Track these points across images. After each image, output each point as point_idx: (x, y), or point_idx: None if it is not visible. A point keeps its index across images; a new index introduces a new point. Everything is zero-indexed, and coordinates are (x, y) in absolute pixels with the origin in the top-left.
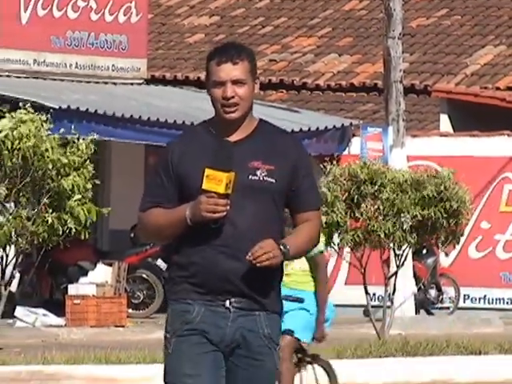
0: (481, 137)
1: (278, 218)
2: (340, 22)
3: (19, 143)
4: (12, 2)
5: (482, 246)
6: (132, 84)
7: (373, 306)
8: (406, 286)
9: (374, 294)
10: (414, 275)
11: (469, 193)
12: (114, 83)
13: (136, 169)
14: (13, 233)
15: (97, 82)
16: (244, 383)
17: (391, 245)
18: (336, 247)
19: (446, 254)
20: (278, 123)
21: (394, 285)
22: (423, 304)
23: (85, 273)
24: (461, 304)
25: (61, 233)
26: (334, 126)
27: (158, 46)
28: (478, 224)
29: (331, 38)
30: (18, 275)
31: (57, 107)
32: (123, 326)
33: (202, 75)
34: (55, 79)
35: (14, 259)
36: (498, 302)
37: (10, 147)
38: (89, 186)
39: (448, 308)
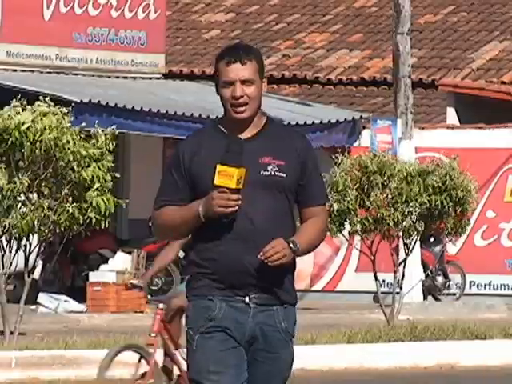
0: (486, 129)
1: (290, 211)
2: (351, 19)
3: (41, 135)
4: (35, 0)
5: (487, 235)
6: (150, 78)
7: (382, 293)
8: (413, 273)
9: (384, 281)
10: (422, 262)
11: (474, 181)
12: (134, 78)
13: (154, 160)
14: (35, 222)
15: (117, 77)
16: (262, 376)
17: (400, 233)
18: (347, 235)
19: (453, 242)
20: (291, 116)
21: (403, 272)
22: (431, 290)
23: (105, 260)
24: (467, 290)
25: (81, 222)
26: (345, 119)
27: (176, 41)
28: (484, 213)
29: (342, 33)
30: (40, 263)
31: (78, 101)
32: (142, 312)
33: None
34: (77, 74)
35: (37, 248)
36: (502, 288)
37: (32, 139)
38: (108, 177)
39: (454, 294)
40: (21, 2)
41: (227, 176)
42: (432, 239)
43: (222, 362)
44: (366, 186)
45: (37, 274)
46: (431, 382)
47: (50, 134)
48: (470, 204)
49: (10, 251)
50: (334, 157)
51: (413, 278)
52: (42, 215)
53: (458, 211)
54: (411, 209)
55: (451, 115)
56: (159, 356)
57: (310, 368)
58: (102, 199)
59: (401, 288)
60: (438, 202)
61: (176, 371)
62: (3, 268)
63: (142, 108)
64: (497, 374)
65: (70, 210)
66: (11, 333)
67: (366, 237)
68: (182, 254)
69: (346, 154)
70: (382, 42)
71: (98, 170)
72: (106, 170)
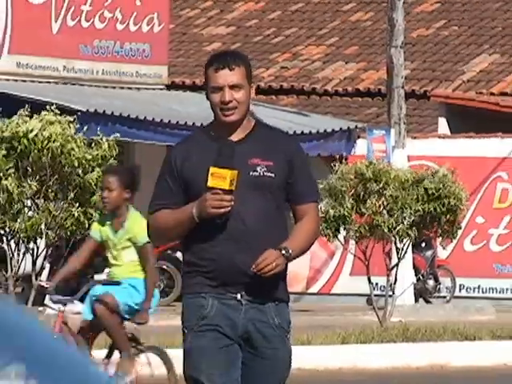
0: (476, 138)
1: (281, 210)
2: (347, 32)
3: (48, 143)
4: (44, 13)
5: (476, 240)
6: (154, 89)
7: (375, 295)
8: (405, 276)
9: (377, 284)
10: (414, 267)
11: (465, 190)
12: (138, 88)
13: (157, 168)
14: (42, 226)
15: (121, 88)
16: (259, 372)
17: (393, 238)
18: (342, 240)
19: (444, 247)
20: (289, 126)
21: (395, 275)
22: (422, 293)
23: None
24: (456, 293)
25: (87, 226)
26: (341, 129)
27: (179, 54)
28: (473, 219)
29: (338, 46)
30: (48, 266)
31: (84, 110)
32: None
33: None
34: (83, 85)
35: (45, 251)
36: (491, 291)
37: (39, 146)
38: None
39: (445, 297)
40: (30, 16)
41: (220, 178)
42: (423, 244)
43: (214, 360)
44: (362, 193)
45: (44, 277)
46: (422, 381)
47: (56, 141)
48: (461, 211)
49: (18, 254)
50: (331, 165)
51: (405, 281)
52: (49, 219)
53: (449, 218)
54: (406, 215)
55: (442, 125)
56: None
57: (306, 368)
58: None
59: (393, 291)
60: (431, 208)
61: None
62: (11, 271)
63: (145, 117)
64: (486, 374)
65: (76, 214)
66: None
67: (361, 242)
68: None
69: (343, 161)
70: (376, 55)
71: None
72: None
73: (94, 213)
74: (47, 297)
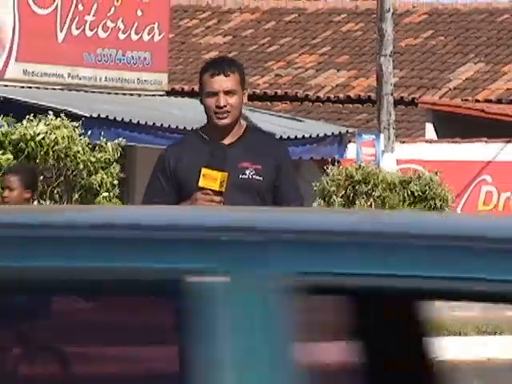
0: (462, 143)
1: None
2: (338, 42)
3: (54, 146)
4: (49, 23)
5: None
6: (154, 95)
7: None
8: None
9: None
10: None
11: (451, 192)
12: (139, 95)
13: None
14: None
15: (124, 94)
16: None
17: None
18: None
19: None
20: (283, 130)
21: None
22: None
23: None
24: None
25: None
26: (333, 134)
27: (178, 62)
28: None
29: (330, 55)
30: None
31: (88, 115)
32: None
33: None
34: (87, 91)
35: None
36: None
37: (46, 149)
38: (115, 182)
39: None
40: (36, 26)
41: (211, 179)
42: None
43: None
44: (352, 195)
45: None
46: None
47: (62, 144)
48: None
49: None
50: (323, 168)
51: None
52: None
53: None
54: None
55: (429, 130)
56: None
57: None
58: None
59: None
60: (418, 210)
61: None
62: None
63: (146, 122)
64: (470, 369)
65: None
66: None
67: None
68: None
69: (336, 164)
70: (366, 63)
71: (105, 177)
72: (112, 177)
73: None
74: None
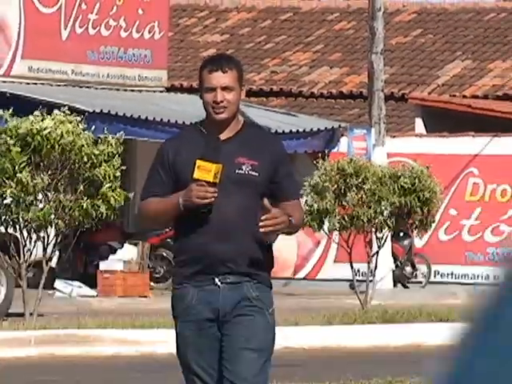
0: (449, 137)
1: (260, 205)
2: (331, 40)
3: (59, 139)
4: (54, 22)
5: (450, 230)
6: (154, 91)
7: (357, 281)
8: (385, 263)
9: (359, 270)
10: (393, 254)
11: (439, 184)
12: (140, 91)
13: None
14: (53, 216)
15: (125, 90)
16: (237, 339)
17: (373, 229)
18: (326, 230)
19: (420, 237)
20: (278, 125)
21: (376, 262)
22: (400, 279)
23: (114, 251)
24: (432, 279)
25: (94, 217)
26: (326, 128)
27: (177, 59)
28: (447, 211)
29: (324, 53)
30: (57, 253)
31: (91, 111)
32: (146, 297)
33: None
34: (90, 87)
35: (54, 239)
36: (463, 277)
37: (52, 143)
38: (118, 174)
39: (421, 282)
40: (41, 24)
41: (205, 170)
42: (402, 234)
43: (198, 347)
44: (343, 187)
45: (54, 263)
46: (400, 359)
47: (66, 138)
48: (436, 204)
49: (30, 242)
50: (315, 161)
51: (384, 268)
52: (59, 210)
53: (424, 210)
54: (383, 207)
55: (419, 125)
56: None
57: (294, 347)
58: (113, 195)
59: (374, 276)
60: (408, 201)
61: None
62: (24, 257)
63: (146, 117)
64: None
65: (84, 206)
66: (31, 314)
67: (344, 232)
68: None
69: (326, 158)
70: (358, 61)
71: (108, 169)
72: (115, 169)
73: (102, 204)
74: (56, 281)
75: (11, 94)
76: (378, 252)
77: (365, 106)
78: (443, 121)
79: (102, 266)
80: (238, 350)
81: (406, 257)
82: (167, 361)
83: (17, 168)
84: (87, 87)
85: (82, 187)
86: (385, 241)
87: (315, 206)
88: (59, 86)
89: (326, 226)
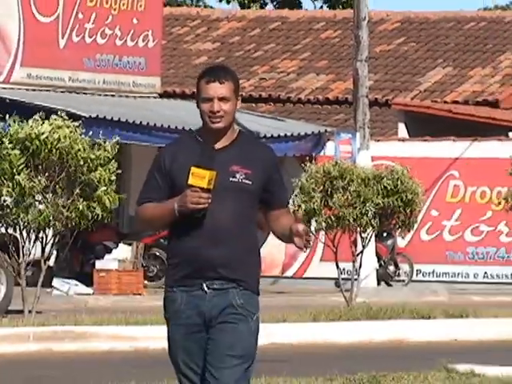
0: (431, 141)
1: (254, 212)
2: (318, 48)
3: (57, 144)
4: (51, 31)
5: (431, 230)
6: (148, 97)
7: (343, 279)
8: (369, 262)
9: (344, 269)
10: (376, 254)
11: (421, 186)
12: (134, 97)
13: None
14: (51, 218)
15: (120, 96)
16: (220, 345)
17: (358, 229)
18: (313, 230)
19: (403, 237)
20: (267, 129)
21: (360, 261)
22: (383, 277)
23: (109, 251)
24: (414, 277)
25: (90, 218)
26: (313, 132)
27: (170, 66)
28: (429, 212)
29: (310, 60)
30: (55, 252)
31: (87, 116)
32: (140, 294)
33: None
34: (86, 93)
35: (52, 239)
36: (444, 275)
37: (49, 147)
38: (113, 178)
39: (403, 281)
40: (40, 33)
41: (200, 177)
42: (385, 234)
43: (187, 350)
44: (329, 189)
45: (51, 262)
46: (383, 354)
47: (64, 142)
48: (418, 205)
49: (29, 242)
50: (302, 164)
51: (368, 266)
52: (57, 212)
53: (407, 211)
54: (368, 208)
55: (402, 129)
56: None
57: (282, 342)
58: (108, 198)
59: (358, 275)
60: (391, 202)
61: None
62: (23, 257)
63: (141, 122)
64: (439, 348)
65: (81, 208)
66: (29, 311)
67: (330, 232)
68: None
69: (312, 161)
70: (343, 68)
71: (104, 173)
72: (110, 173)
73: (97, 206)
74: (54, 279)
75: (11, 99)
76: (362, 251)
77: (350, 111)
78: (425, 125)
79: (98, 265)
80: (221, 356)
81: (390, 256)
82: (160, 356)
83: (15, 170)
84: (84, 93)
85: (78, 190)
86: (369, 241)
87: (303, 206)
88: (57, 92)
89: (312, 226)
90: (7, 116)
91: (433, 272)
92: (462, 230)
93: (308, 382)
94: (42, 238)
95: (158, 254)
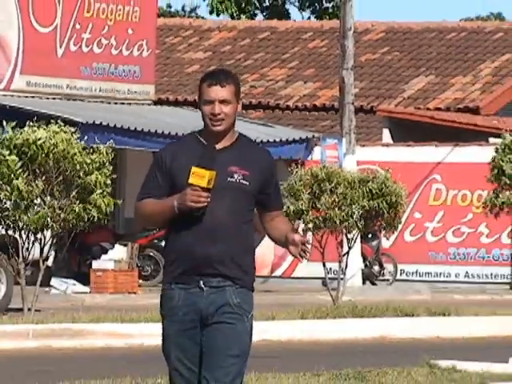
0: (414, 146)
1: (250, 211)
2: (305, 57)
3: (54, 149)
4: (50, 41)
5: (414, 232)
6: (143, 104)
7: (329, 278)
8: (355, 262)
9: (331, 269)
10: (362, 254)
11: (405, 189)
12: (129, 104)
13: (145, 170)
14: (49, 220)
15: (116, 103)
16: (217, 345)
17: (344, 230)
18: (301, 231)
19: (387, 238)
20: (257, 135)
21: (346, 261)
22: (369, 277)
23: (105, 251)
24: (398, 277)
25: (86, 220)
26: (300, 138)
27: (164, 74)
28: (412, 214)
29: (298, 69)
30: (53, 253)
31: (84, 122)
32: (135, 293)
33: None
34: (83, 100)
35: (50, 240)
36: (427, 275)
37: (46, 152)
38: (108, 181)
39: (388, 280)
40: (38, 43)
41: (200, 176)
42: (370, 235)
43: (181, 346)
44: (317, 191)
45: (50, 262)
46: (368, 350)
47: (60, 147)
48: (401, 207)
49: (28, 243)
50: (290, 168)
51: (354, 266)
52: (54, 214)
53: (391, 213)
54: (354, 210)
55: (386, 135)
56: None
57: (271, 339)
58: (103, 201)
59: (344, 275)
60: (376, 205)
61: None
62: (22, 257)
63: (135, 128)
64: (421, 345)
65: (77, 210)
66: (29, 309)
67: (317, 233)
68: None
69: (300, 165)
70: (330, 76)
71: (100, 177)
72: (106, 176)
73: (93, 209)
74: (52, 279)
75: (11, 106)
76: (348, 252)
77: (336, 117)
78: (409, 131)
79: (95, 265)
80: (219, 356)
81: (374, 256)
82: (154, 352)
83: (13, 175)
84: (81, 100)
85: (74, 193)
86: (355, 241)
87: (291, 207)
88: (55, 99)
89: (300, 227)
90: (4, 123)
91: (416, 272)
92: (444, 232)
93: (296, 377)
94: (41, 239)
95: (152, 254)
